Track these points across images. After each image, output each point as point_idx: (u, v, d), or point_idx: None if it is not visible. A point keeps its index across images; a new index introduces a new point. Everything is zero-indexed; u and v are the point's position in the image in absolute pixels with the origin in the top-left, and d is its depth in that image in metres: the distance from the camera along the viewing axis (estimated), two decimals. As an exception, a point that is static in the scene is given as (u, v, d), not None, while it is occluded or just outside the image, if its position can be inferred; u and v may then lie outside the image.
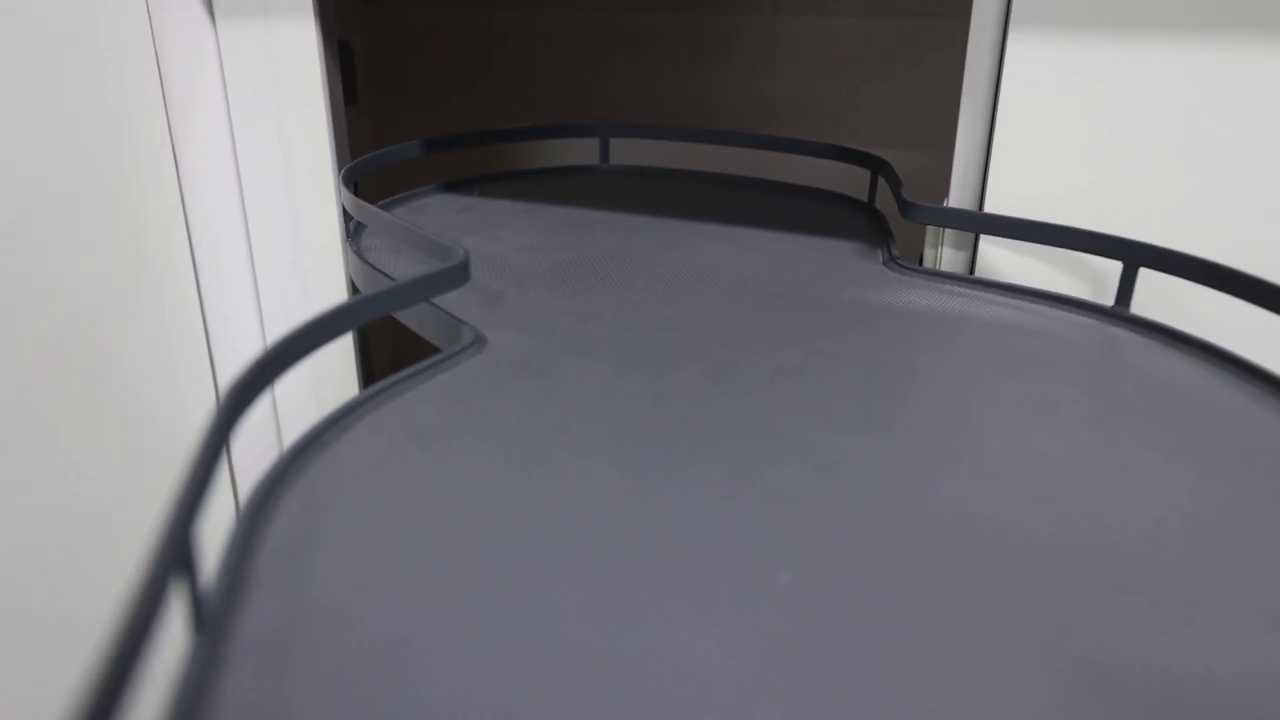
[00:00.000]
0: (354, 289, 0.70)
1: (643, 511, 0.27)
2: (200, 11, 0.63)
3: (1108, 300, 0.45)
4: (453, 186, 0.69)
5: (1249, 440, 0.32)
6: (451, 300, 0.44)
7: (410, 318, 0.43)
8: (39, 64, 0.55)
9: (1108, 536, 0.26)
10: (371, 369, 1.06)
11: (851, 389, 0.36)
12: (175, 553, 0.19)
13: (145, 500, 0.67)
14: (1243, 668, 0.21)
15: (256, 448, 0.71)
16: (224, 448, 0.24)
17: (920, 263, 0.54)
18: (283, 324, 0.71)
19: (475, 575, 0.24)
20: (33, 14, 0.54)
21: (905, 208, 0.52)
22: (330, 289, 0.69)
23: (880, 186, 0.64)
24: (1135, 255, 0.43)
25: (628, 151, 0.91)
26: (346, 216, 0.55)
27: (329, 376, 0.72)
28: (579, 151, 0.98)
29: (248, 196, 0.68)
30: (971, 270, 0.52)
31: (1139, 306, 0.45)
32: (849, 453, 0.31)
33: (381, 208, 0.57)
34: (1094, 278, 0.48)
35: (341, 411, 0.32)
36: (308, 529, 0.26)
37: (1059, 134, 0.47)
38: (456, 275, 0.37)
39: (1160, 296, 0.46)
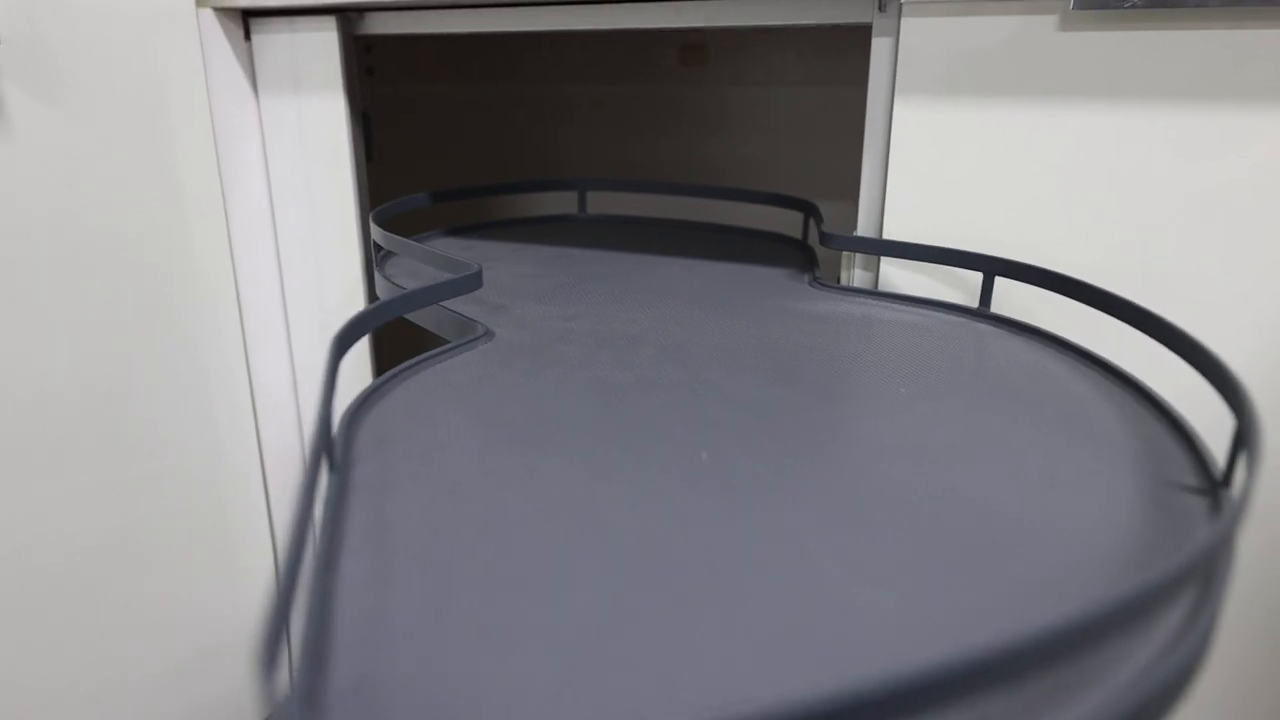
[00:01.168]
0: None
1: (610, 428, 0.39)
2: (247, 88, 0.77)
3: (974, 303, 0.58)
4: (454, 231, 0.82)
5: (1051, 388, 0.45)
6: (462, 308, 0.56)
7: (430, 320, 0.55)
8: (124, 129, 0.67)
9: (928, 436, 0.39)
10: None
11: (766, 359, 0.48)
12: (320, 441, 0.31)
13: (200, 479, 0.78)
14: (1014, 504, 0.34)
15: (281, 424, 0.82)
16: (333, 384, 0.36)
17: (837, 282, 0.67)
18: (309, 346, 0.83)
19: (496, 459, 0.36)
20: (121, 90, 0.67)
21: (823, 237, 0.65)
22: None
23: (812, 225, 0.77)
24: (991, 267, 0.57)
25: (600, 202, 1.05)
26: (376, 248, 0.68)
27: (345, 373, 0.84)
28: (559, 202, 1.12)
29: (281, 240, 0.80)
30: (875, 285, 0.65)
31: (999, 307, 0.59)
32: (755, 394, 0.43)
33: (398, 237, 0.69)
34: (966, 286, 0.62)
35: (395, 372, 0.44)
36: (383, 434, 0.37)
37: (935, 177, 0.60)
38: (473, 281, 0.50)
39: (1014, 299, 0.60)
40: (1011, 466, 0.36)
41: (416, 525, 0.31)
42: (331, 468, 0.33)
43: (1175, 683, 0.23)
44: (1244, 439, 0.32)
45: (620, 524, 0.31)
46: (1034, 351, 0.50)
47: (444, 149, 1.22)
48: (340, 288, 0.81)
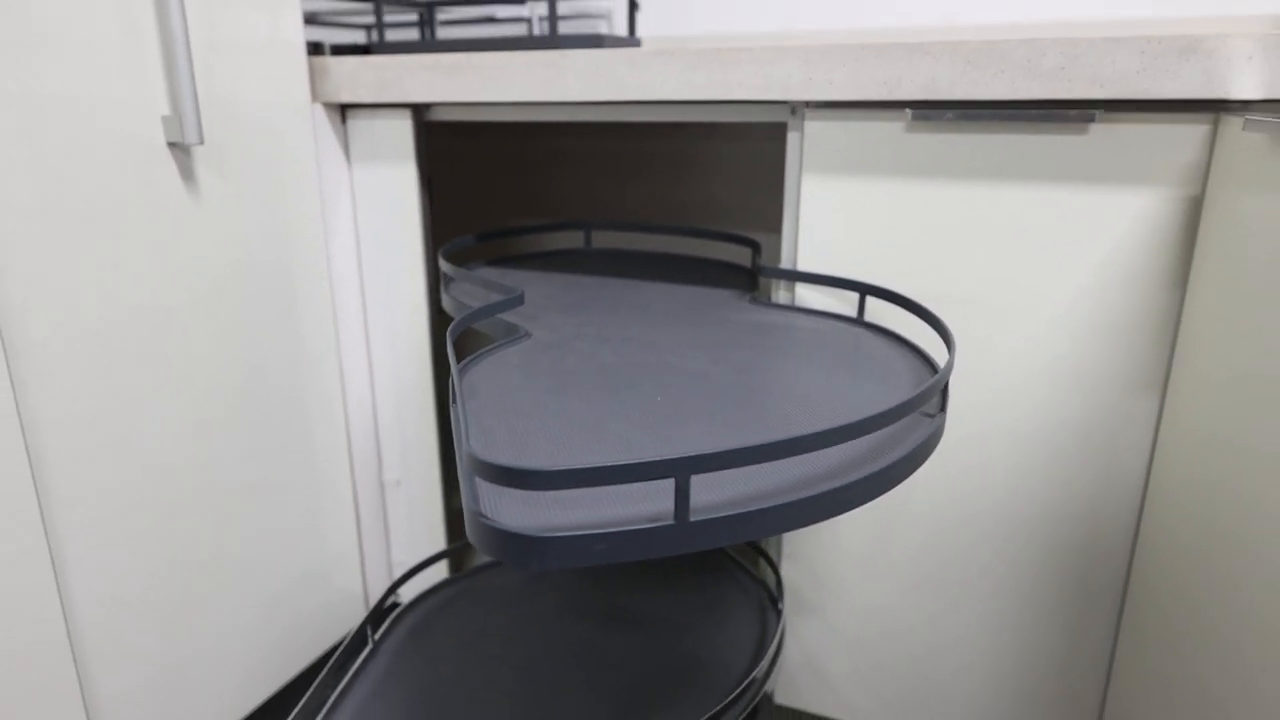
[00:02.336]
0: (434, 332, 1.10)
1: (607, 384, 0.67)
2: (342, 159, 1.05)
3: (854, 313, 0.86)
4: (493, 262, 1.10)
5: (878, 360, 0.72)
6: (508, 318, 0.84)
7: (488, 326, 0.83)
8: (264, 193, 0.95)
9: (797, 385, 0.66)
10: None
11: (709, 349, 0.76)
12: (458, 381, 0.58)
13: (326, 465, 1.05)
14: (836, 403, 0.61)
15: (360, 403, 1.10)
16: (453, 357, 0.63)
17: (769, 299, 0.94)
18: (383, 346, 1.11)
19: (542, 399, 0.63)
20: (263, 164, 0.95)
21: (759, 269, 0.93)
22: (417, 332, 1.09)
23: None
24: (862, 289, 0.84)
25: (601, 237, 1.33)
26: (445, 277, 0.96)
27: (408, 370, 1.11)
28: (569, 239, 1.41)
29: (365, 272, 1.09)
30: (794, 301, 0.93)
31: (872, 317, 0.87)
32: (699, 368, 0.71)
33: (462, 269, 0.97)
34: (851, 302, 0.89)
35: (474, 357, 0.72)
36: (475, 385, 0.65)
37: (833, 226, 0.88)
38: (517, 301, 0.78)
39: (882, 311, 0.87)
40: (835, 391, 0.64)
41: (503, 429, 0.58)
42: (453, 401, 0.60)
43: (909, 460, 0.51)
44: (947, 368, 0.59)
45: (610, 429, 0.58)
46: (881, 343, 0.78)
47: (482, 185, 1.51)
48: (408, 304, 1.09)
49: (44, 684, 0.76)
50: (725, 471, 0.53)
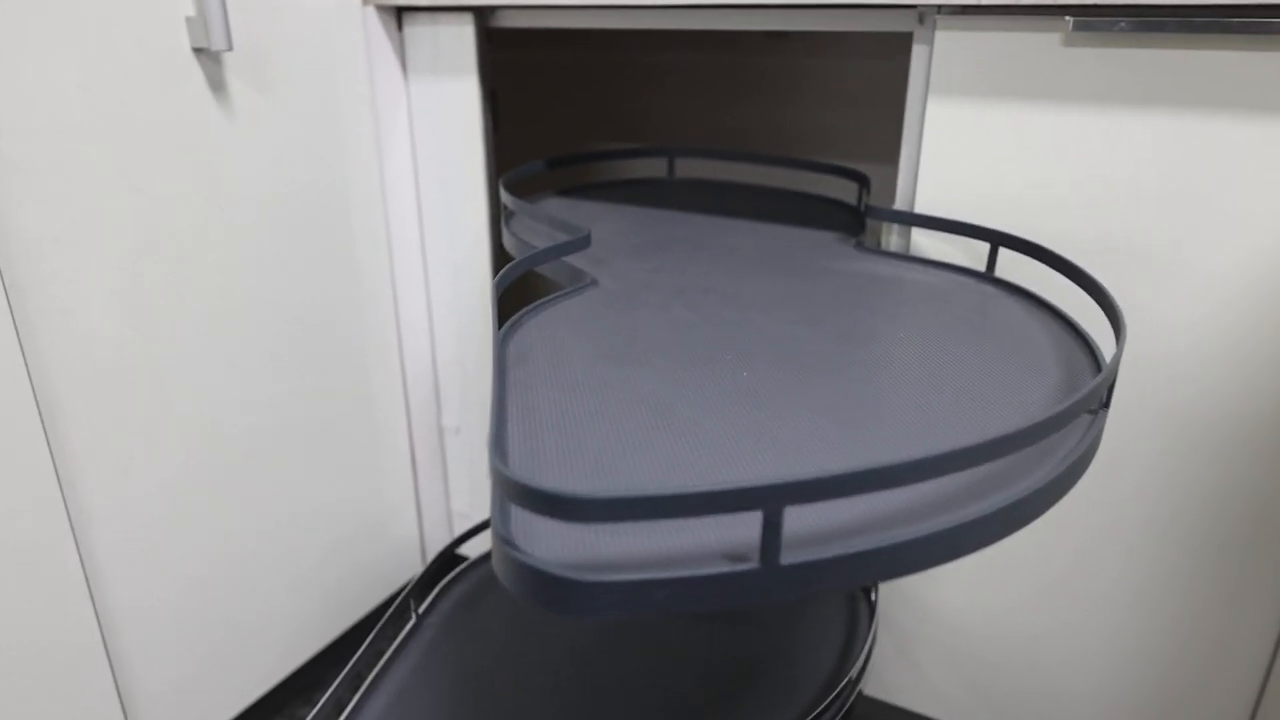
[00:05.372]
0: (497, 266, 1.00)
1: (681, 353, 0.55)
2: (398, 72, 0.94)
3: (981, 267, 0.72)
4: (563, 192, 0.98)
5: (1017, 334, 0.59)
6: (574, 260, 0.73)
7: (549, 270, 0.72)
8: (310, 108, 0.85)
9: (908, 364, 0.54)
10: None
11: (803, 307, 0.63)
12: (497, 350, 0.48)
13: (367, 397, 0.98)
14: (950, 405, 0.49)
15: (418, 342, 1.01)
16: (497, 314, 0.52)
17: (878, 245, 0.81)
18: (443, 281, 1.01)
19: (601, 370, 0.52)
20: (308, 76, 0.85)
21: (867, 210, 0.79)
22: (478, 266, 0.99)
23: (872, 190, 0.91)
24: (995, 238, 0.70)
25: (685, 166, 1.20)
26: (506, 210, 0.85)
27: (468, 309, 1.02)
28: (651, 166, 1.28)
29: (423, 196, 0.98)
30: (908, 249, 0.79)
31: (1007, 270, 0.72)
32: (792, 333, 0.58)
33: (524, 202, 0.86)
34: (980, 253, 0.75)
35: (530, 309, 0.61)
36: (525, 349, 0.55)
37: (959, 160, 0.73)
38: (583, 243, 0.66)
39: (1022, 267, 0.73)
40: (963, 370, 0.51)
41: (551, 409, 0.48)
42: (500, 373, 0.50)
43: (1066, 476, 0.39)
44: (1115, 356, 0.46)
45: (680, 415, 0.47)
46: (1019, 309, 0.64)
47: (555, 104, 1.38)
48: (470, 235, 0.99)
49: (78, 643, 0.71)
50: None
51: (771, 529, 0.33)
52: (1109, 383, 0.45)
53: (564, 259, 0.70)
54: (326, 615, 0.98)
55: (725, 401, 0.49)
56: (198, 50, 0.71)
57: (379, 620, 1.08)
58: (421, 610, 0.76)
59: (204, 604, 0.82)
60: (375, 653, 0.71)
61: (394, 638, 0.75)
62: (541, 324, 0.59)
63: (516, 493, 0.33)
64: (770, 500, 0.33)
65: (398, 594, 1.09)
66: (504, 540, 0.35)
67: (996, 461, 0.44)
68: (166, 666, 0.80)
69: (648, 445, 0.44)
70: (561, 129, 1.39)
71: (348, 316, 0.93)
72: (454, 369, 1.06)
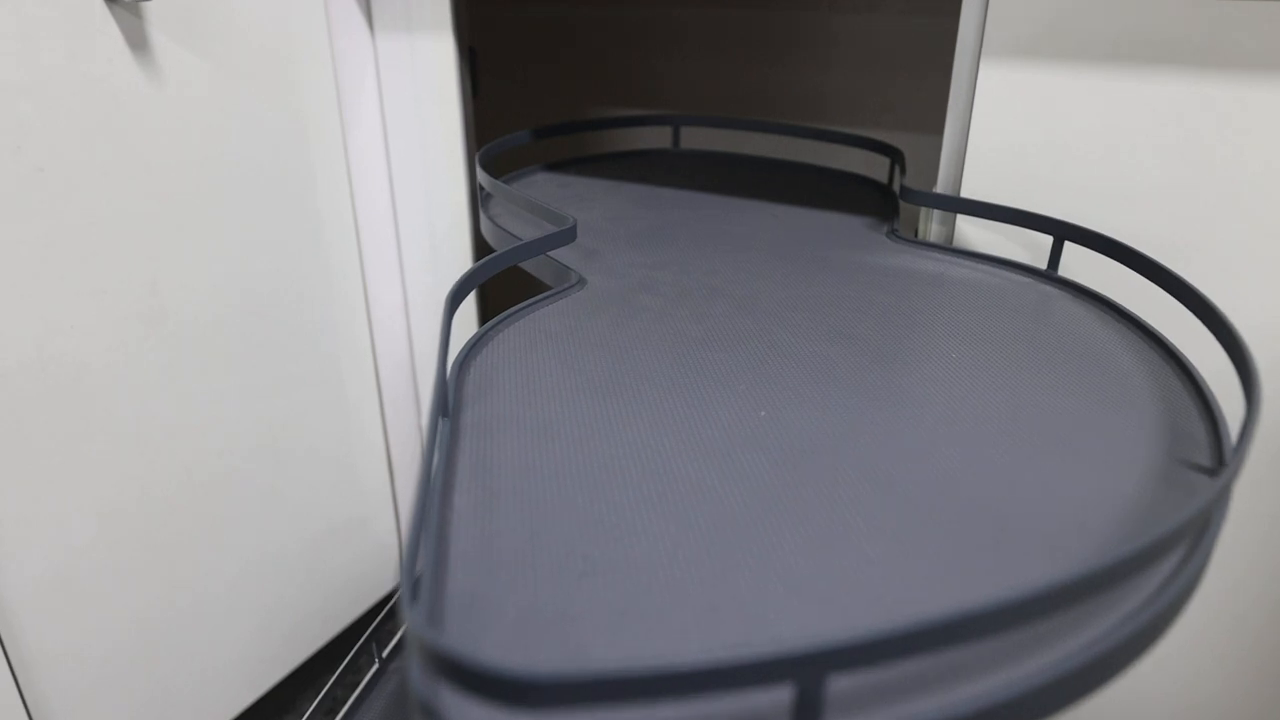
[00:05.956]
0: (479, 246, 0.89)
1: (683, 381, 0.44)
2: (363, 26, 0.82)
3: (1040, 264, 0.61)
4: (553, 167, 0.87)
5: (1100, 360, 0.48)
6: (560, 253, 0.62)
7: (531, 265, 0.61)
8: (256, 68, 0.74)
9: (967, 404, 0.43)
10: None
11: (833, 317, 0.52)
12: (439, 392, 0.37)
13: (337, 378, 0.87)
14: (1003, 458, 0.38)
15: (393, 339, 0.91)
16: (448, 333, 0.42)
17: (915, 234, 0.69)
18: (420, 265, 0.90)
19: (581, 405, 0.42)
20: (252, 32, 0.73)
21: (903, 192, 0.68)
22: (458, 247, 0.88)
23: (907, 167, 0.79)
24: (1061, 231, 0.59)
25: (693, 136, 1.07)
26: (482, 190, 0.73)
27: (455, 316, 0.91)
28: (656, 135, 1.16)
29: (394, 169, 0.87)
30: (951, 240, 0.67)
31: (1069, 268, 0.61)
32: (817, 352, 0.48)
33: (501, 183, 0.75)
34: (1038, 247, 0.64)
35: (498, 321, 0.50)
36: (488, 378, 0.44)
37: (1016, 136, 0.62)
38: (568, 235, 0.55)
39: (1088, 264, 0.62)
40: (1040, 438, 0.40)
41: (514, 464, 0.37)
42: (445, 414, 0.39)
43: (1151, 627, 0.28)
44: (1247, 428, 0.35)
45: (683, 475, 0.37)
46: (1092, 319, 0.53)
47: (548, 70, 1.25)
48: (449, 213, 0.87)
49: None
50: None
51: (809, 707, 0.23)
52: (1242, 464, 0.34)
53: (547, 254, 0.59)
54: (294, 638, 0.88)
55: (738, 455, 0.38)
56: (110, 1, 0.60)
57: (352, 639, 0.99)
58: (385, 654, 0.66)
59: (151, 638, 0.73)
60: (332, 700, 0.61)
61: (355, 685, 0.66)
62: (509, 342, 0.48)
63: (439, 664, 0.22)
64: (807, 670, 0.22)
65: (376, 608, 1.00)
66: (424, 704, 0.24)
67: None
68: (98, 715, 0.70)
69: (638, 532, 0.33)
70: (555, 94, 1.26)
71: (307, 308, 0.82)
72: (434, 363, 0.96)
